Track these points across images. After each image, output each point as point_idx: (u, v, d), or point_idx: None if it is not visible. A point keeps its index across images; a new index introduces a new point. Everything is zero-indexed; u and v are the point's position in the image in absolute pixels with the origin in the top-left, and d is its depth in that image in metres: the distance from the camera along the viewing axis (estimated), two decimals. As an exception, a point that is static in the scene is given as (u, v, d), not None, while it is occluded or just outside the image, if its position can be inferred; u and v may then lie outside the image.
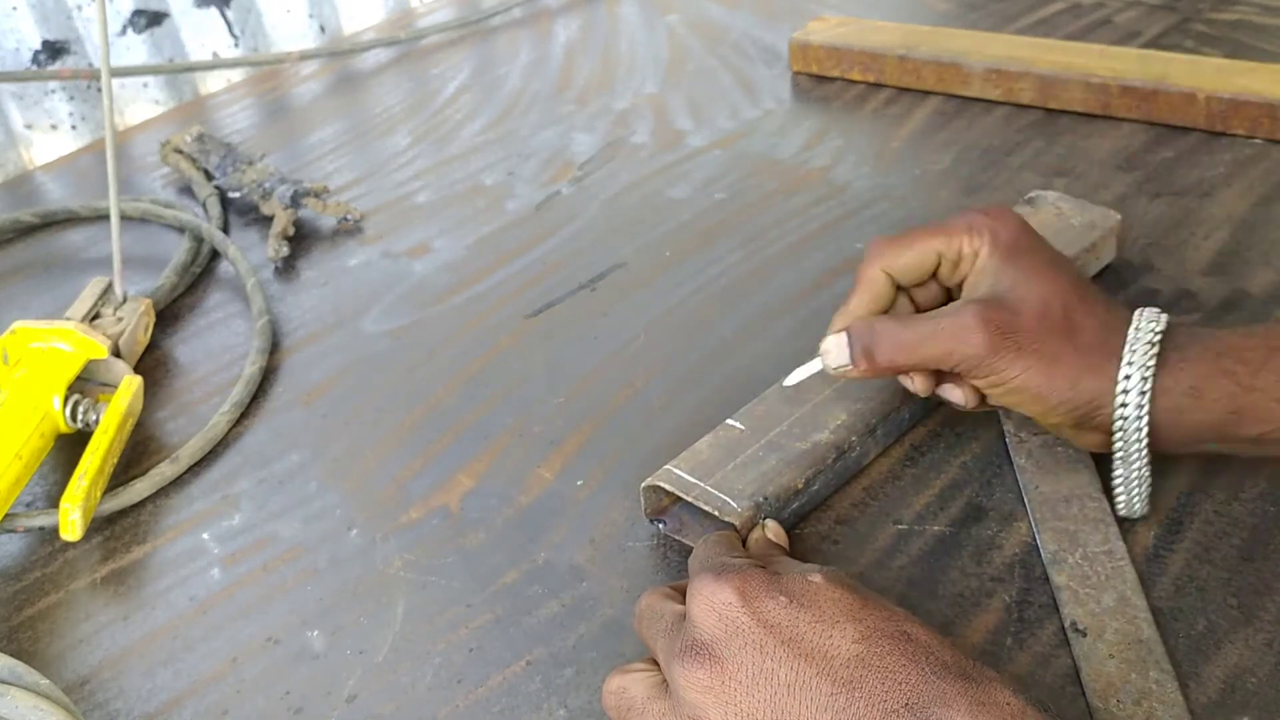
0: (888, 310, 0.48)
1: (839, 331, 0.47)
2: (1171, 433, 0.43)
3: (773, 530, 0.46)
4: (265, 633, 0.49)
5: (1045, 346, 0.43)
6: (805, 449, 0.49)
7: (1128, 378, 0.42)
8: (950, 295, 0.49)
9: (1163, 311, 0.44)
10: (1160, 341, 0.43)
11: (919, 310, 0.49)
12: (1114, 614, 0.43)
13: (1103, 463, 0.50)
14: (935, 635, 0.36)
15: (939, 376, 0.47)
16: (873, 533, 0.49)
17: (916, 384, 0.47)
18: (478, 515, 0.53)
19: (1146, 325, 0.43)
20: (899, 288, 0.49)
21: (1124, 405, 0.42)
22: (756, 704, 0.35)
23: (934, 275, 0.48)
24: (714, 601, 0.37)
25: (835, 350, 0.47)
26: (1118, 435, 0.43)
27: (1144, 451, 0.43)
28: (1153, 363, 0.42)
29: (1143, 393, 0.42)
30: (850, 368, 0.47)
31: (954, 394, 0.47)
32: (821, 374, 0.49)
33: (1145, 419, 0.42)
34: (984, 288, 0.46)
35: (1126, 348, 0.43)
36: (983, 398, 0.47)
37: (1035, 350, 0.43)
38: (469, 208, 0.77)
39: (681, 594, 0.41)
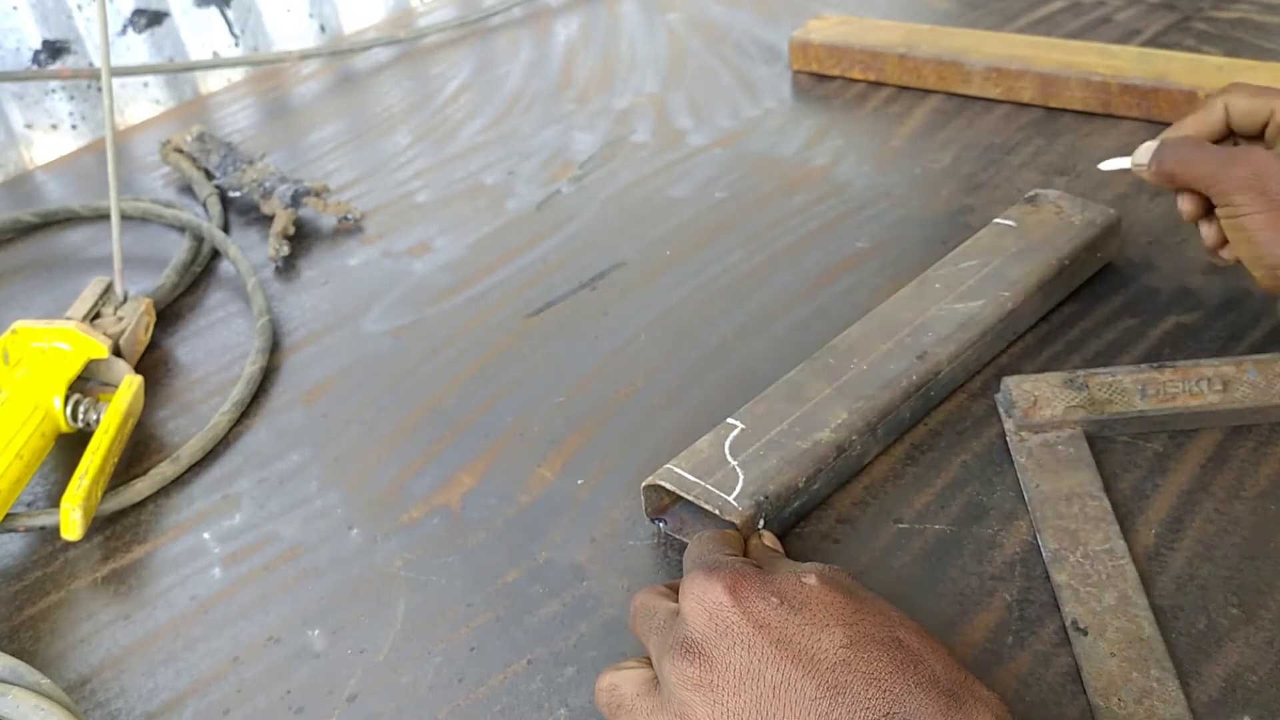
0: (1214, 136, 0.55)
1: (1160, 139, 0.55)
2: None
3: (769, 540, 0.46)
4: (266, 632, 0.49)
5: None
6: (806, 448, 0.49)
7: None
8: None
9: None
10: None
11: None
12: (1115, 612, 0.43)
13: (1103, 459, 0.50)
14: (929, 643, 0.36)
15: (1203, 209, 0.55)
16: (874, 531, 0.49)
17: (1184, 205, 0.55)
18: (478, 514, 0.53)
19: None
20: (1232, 131, 0.55)
21: None
22: (743, 703, 0.35)
23: (1262, 134, 0.54)
24: (705, 600, 0.37)
25: (1144, 151, 0.55)
26: None
27: None
28: None
29: None
30: (1145, 168, 0.55)
31: (1203, 230, 0.55)
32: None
33: None
34: None
35: None
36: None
37: (1274, 201, 0.49)
38: (469, 207, 0.77)
39: (675, 592, 0.41)
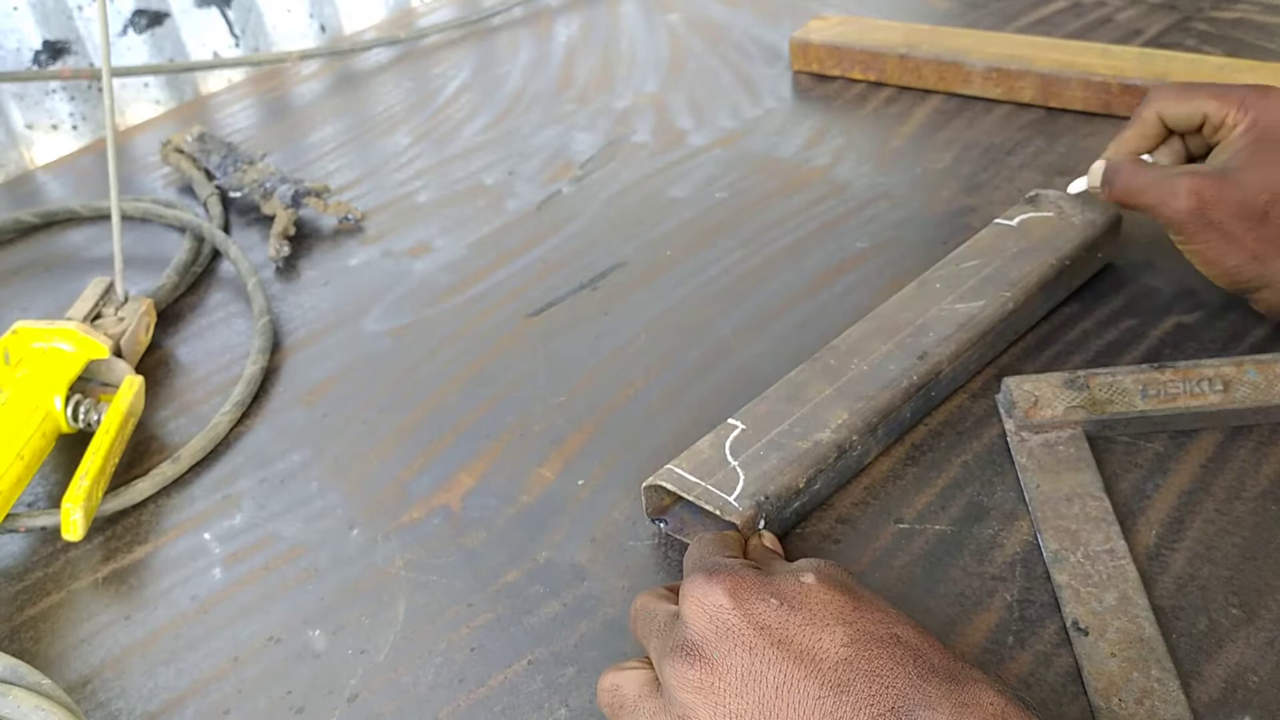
0: (1155, 145, 0.57)
1: (1103, 160, 0.57)
2: None
3: (769, 540, 0.46)
4: (267, 632, 0.49)
5: (1230, 228, 0.51)
6: (806, 448, 0.49)
7: None
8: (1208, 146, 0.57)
9: None
10: None
11: (1187, 149, 0.57)
12: (1115, 613, 0.43)
13: (1104, 459, 0.50)
14: (926, 637, 0.36)
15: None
16: (874, 531, 0.49)
17: None
18: (479, 514, 0.53)
19: None
20: (1171, 130, 0.57)
21: None
22: (745, 704, 0.35)
23: (1200, 129, 0.55)
24: (705, 602, 0.37)
25: (1096, 173, 0.57)
26: None
27: None
28: None
29: None
30: (1099, 190, 0.57)
31: None
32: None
33: None
34: (1220, 160, 0.52)
35: None
36: None
37: (1220, 228, 0.51)
38: (469, 207, 0.77)
39: (676, 594, 0.41)
